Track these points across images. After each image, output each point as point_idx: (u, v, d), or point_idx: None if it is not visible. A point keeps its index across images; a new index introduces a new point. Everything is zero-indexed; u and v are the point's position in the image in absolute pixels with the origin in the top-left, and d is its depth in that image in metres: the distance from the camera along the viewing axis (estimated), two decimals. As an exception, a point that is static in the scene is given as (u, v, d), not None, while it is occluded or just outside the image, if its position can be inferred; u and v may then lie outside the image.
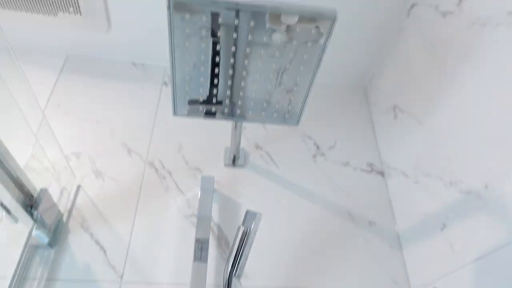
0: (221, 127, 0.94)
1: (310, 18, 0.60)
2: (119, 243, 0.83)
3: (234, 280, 0.66)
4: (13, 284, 0.72)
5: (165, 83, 1.10)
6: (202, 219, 0.85)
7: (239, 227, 0.63)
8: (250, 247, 0.64)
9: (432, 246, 0.79)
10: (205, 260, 0.78)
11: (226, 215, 0.90)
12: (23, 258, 0.75)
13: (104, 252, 0.81)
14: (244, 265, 0.66)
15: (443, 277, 0.74)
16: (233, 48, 0.64)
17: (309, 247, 0.87)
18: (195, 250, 0.79)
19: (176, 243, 0.84)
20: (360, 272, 0.85)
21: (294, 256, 0.86)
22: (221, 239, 0.86)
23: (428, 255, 0.80)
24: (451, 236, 0.74)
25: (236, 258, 0.63)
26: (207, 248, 0.80)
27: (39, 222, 0.73)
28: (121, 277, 0.79)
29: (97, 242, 0.82)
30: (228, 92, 0.71)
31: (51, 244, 0.79)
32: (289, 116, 0.78)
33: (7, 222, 0.69)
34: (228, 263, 0.63)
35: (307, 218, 0.92)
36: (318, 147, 1.05)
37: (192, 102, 0.73)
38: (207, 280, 0.76)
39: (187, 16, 0.59)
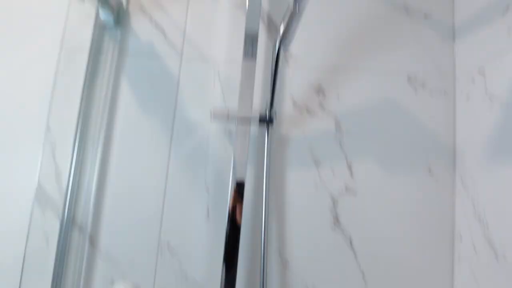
0: None
1: None
2: (176, 26, 0.89)
3: (281, 55, 0.70)
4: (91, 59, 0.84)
5: None
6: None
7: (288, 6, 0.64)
8: (298, 23, 0.67)
9: (488, 32, 0.76)
10: (255, 56, 0.80)
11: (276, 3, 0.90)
12: (95, 36, 0.85)
13: (164, 34, 0.88)
14: (292, 39, 0.69)
15: (494, 58, 0.74)
16: None
17: (359, 39, 0.88)
18: (245, 45, 0.77)
19: (228, 32, 0.89)
20: (405, 60, 0.87)
21: (343, 40, 0.88)
22: (271, 27, 0.89)
23: (481, 41, 0.78)
24: (510, 20, 0.70)
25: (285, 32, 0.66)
26: (256, 46, 0.79)
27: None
28: (181, 54, 0.87)
29: (157, 25, 0.89)
30: None
31: (116, 24, 0.86)
32: None
33: (74, 2, 0.75)
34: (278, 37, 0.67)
35: (358, 9, 0.90)
36: None
37: None
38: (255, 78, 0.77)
39: None
